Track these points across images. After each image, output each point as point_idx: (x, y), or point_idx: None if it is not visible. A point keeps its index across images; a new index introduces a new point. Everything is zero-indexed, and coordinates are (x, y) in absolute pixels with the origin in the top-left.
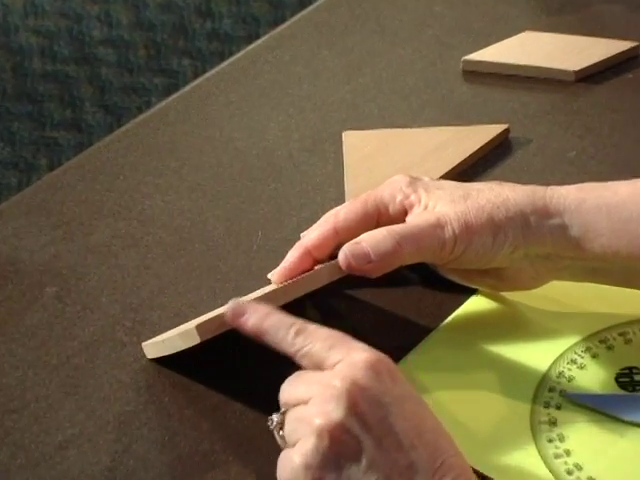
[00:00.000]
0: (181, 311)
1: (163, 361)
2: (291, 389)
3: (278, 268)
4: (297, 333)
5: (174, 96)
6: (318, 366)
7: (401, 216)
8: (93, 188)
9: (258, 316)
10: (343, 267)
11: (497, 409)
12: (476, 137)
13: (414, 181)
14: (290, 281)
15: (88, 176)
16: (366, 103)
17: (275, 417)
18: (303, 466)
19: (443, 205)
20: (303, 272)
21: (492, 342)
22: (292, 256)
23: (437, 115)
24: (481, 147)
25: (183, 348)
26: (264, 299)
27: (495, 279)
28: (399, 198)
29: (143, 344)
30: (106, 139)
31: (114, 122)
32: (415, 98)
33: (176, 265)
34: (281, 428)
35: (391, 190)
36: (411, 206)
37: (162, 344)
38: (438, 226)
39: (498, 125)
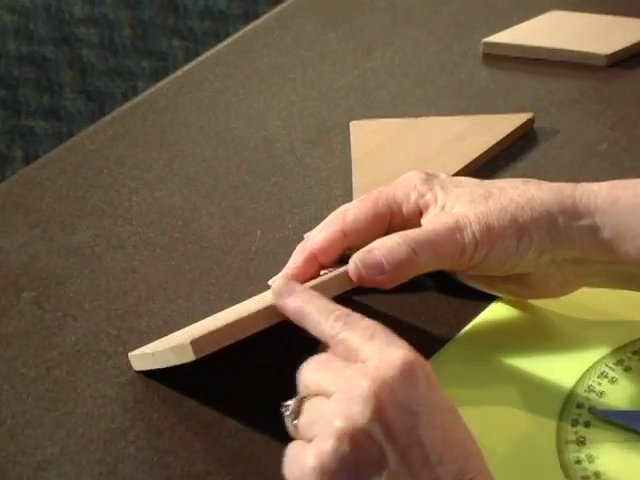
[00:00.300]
0: (171, 318)
1: (152, 374)
2: (315, 374)
3: (280, 275)
4: (338, 318)
5: (164, 81)
6: (352, 356)
7: (415, 217)
8: (75, 183)
9: (302, 298)
10: (354, 279)
11: (520, 427)
12: (497, 127)
13: (430, 178)
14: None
15: (69, 170)
16: (376, 90)
17: (292, 404)
18: (318, 469)
19: (462, 205)
20: (308, 279)
21: (514, 354)
22: (295, 261)
23: (454, 103)
24: (503, 138)
25: (175, 364)
26: (264, 313)
27: (519, 285)
28: (413, 197)
29: (130, 355)
30: (89, 129)
31: (96, 110)
32: (430, 84)
33: (166, 268)
34: (296, 417)
35: (405, 188)
36: (426, 206)
37: (151, 357)
38: (457, 229)
39: (522, 114)
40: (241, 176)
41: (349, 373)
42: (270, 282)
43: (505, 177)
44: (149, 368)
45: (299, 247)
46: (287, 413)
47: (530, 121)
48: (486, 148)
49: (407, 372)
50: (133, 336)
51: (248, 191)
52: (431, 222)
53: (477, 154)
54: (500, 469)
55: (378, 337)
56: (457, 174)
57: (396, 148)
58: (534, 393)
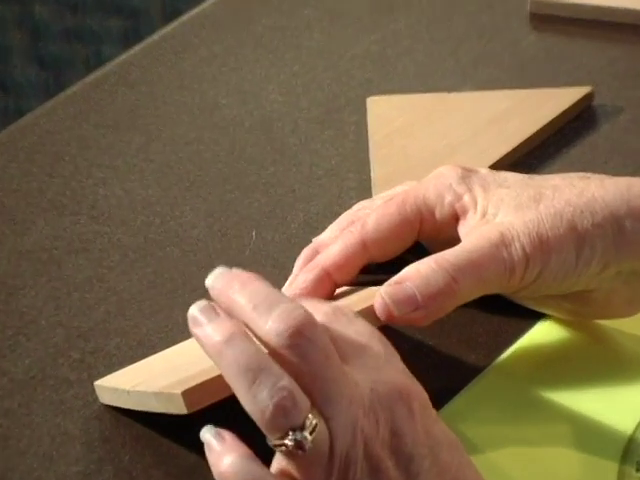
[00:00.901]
0: (147, 338)
1: (122, 407)
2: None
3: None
4: (325, 314)
5: (136, 47)
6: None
7: (450, 223)
8: (28, 172)
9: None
10: (382, 318)
11: (574, 472)
12: (548, 104)
13: (468, 175)
14: None
15: (20, 156)
16: (398, 57)
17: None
18: None
19: (507, 212)
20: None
21: (566, 384)
22: (305, 280)
23: (495, 74)
24: (554, 118)
25: (159, 411)
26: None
27: (577, 304)
28: (448, 199)
29: (96, 384)
30: (44, 105)
31: (51, 80)
32: (465, 51)
33: (140, 276)
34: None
35: (438, 188)
36: (464, 211)
37: (127, 395)
38: (503, 245)
39: (577, 88)
40: (232, 164)
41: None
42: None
43: (556, 166)
44: (121, 406)
45: (307, 259)
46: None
47: (588, 97)
48: (534, 130)
49: (401, 401)
50: (100, 360)
51: (241, 182)
52: (471, 237)
53: (523, 138)
54: None
55: (373, 350)
56: (498, 163)
57: (423, 130)
58: (591, 431)
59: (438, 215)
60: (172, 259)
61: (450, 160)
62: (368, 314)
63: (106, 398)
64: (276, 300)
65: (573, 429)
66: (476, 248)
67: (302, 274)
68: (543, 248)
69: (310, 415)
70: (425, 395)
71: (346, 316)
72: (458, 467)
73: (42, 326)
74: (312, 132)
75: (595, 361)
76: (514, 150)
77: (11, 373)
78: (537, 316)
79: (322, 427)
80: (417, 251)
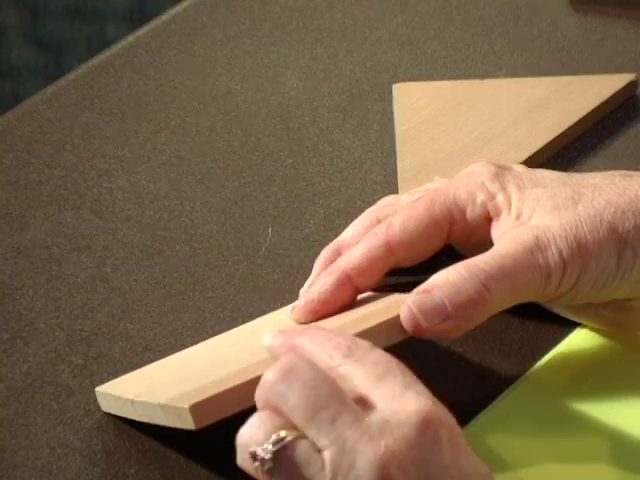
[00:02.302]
0: (153, 343)
1: (127, 417)
2: (300, 406)
3: (303, 299)
4: (338, 346)
5: (144, 28)
6: (355, 396)
7: (483, 224)
8: (26, 163)
9: (294, 334)
10: (408, 329)
11: None
12: (589, 93)
13: (502, 172)
14: None
15: (18, 145)
16: (427, 42)
17: (267, 450)
18: None
19: (543, 213)
20: (339, 308)
21: (603, 395)
22: (325, 284)
23: (532, 60)
24: (596, 107)
25: (164, 424)
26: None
27: (617, 313)
28: (480, 199)
29: (97, 390)
30: (45, 91)
31: (51, 63)
32: (500, 35)
33: (147, 276)
34: (273, 471)
35: (469, 186)
36: (497, 212)
37: (130, 405)
38: (538, 250)
39: (621, 75)
40: (247, 155)
41: (349, 426)
42: (289, 309)
43: (598, 159)
44: (124, 415)
45: (327, 261)
46: (258, 465)
47: (632, 84)
48: (573, 121)
49: (426, 430)
50: (103, 366)
51: (256, 175)
52: (504, 241)
53: (561, 129)
54: None
55: (392, 378)
56: (534, 156)
57: (453, 120)
58: (628, 447)
59: (469, 215)
60: (181, 258)
61: (482, 153)
62: (393, 326)
63: (108, 406)
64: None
65: (609, 444)
66: (509, 253)
67: (321, 277)
68: (581, 253)
69: (283, 432)
70: (453, 421)
71: (362, 348)
72: None
73: (41, 329)
74: (333, 121)
75: (634, 373)
76: (552, 142)
77: (8, 380)
78: (574, 323)
79: (306, 449)
80: (448, 254)
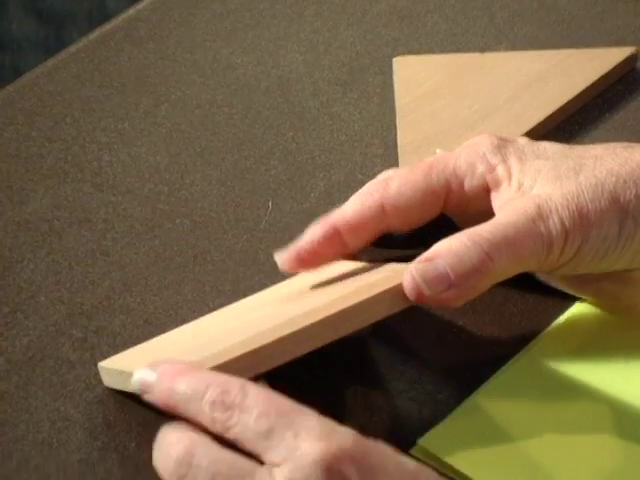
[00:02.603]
0: (154, 316)
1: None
2: (203, 467)
3: (289, 249)
4: (214, 404)
5: (145, 1)
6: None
7: (480, 195)
8: (26, 136)
9: (164, 385)
10: (411, 297)
11: (609, 457)
12: (589, 66)
13: (504, 145)
14: (319, 316)
15: (18, 118)
16: (427, 15)
17: None
18: None
19: (545, 184)
20: (324, 261)
21: (603, 368)
22: (314, 234)
23: (532, 33)
24: (596, 81)
25: None
26: (272, 347)
27: (618, 284)
28: (480, 170)
29: (100, 365)
30: (45, 64)
31: (52, 36)
32: (500, 8)
33: (147, 249)
34: None
35: (470, 156)
36: (497, 183)
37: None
38: (540, 219)
39: (622, 48)
40: (247, 128)
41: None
42: (276, 257)
43: (599, 132)
44: (126, 390)
45: (322, 220)
46: None
47: (632, 58)
48: (574, 94)
49: (330, 475)
50: (103, 339)
51: (257, 148)
52: (506, 210)
53: (562, 102)
54: None
55: (280, 427)
56: (535, 129)
57: (454, 93)
58: (632, 416)
59: (467, 186)
60: (182, 231)
61: (482, 126)
62: (396, 294)
63: (110, 381)
64: None
65: (610, 414)
66: (511, 222)
67: (311, 228)
68: (583, 222)
69: None
70: (358, 442)
71: (235, 396)
72: None
73: (41, 303)
74: (334, 94)
75: (633, 346)
76: (552, 115)
77: (8, 353)
78: (574, 297)
79: None
80: (448, 227)
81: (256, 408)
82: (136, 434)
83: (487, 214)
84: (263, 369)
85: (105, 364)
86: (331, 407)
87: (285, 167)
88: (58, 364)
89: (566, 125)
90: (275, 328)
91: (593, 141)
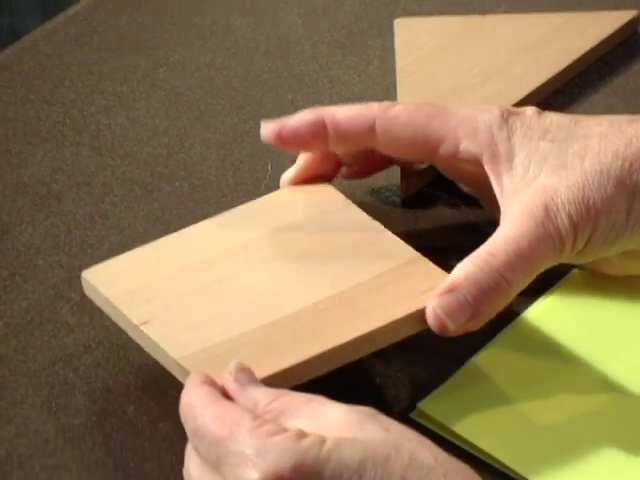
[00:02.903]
0: None
1: (127, 354)
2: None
3: (275, 121)
4: (190, 430)
5: None
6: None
7: (473, 162)
8: (25, 99)
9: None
10: (436, 330)
11: (619, 422)
12: (590, 29)
13: (511, 117)
14: (339, 341)
15: (17, 82)
16: None
17: None
18: None
19: (550, 174)
20: (304, 148)
21: (601, 333)
22: (301, 118)
23: None
24: (597, 44)
25: (158, 360)
26: (295, 369)
27: (623, 257)
28: (481, 139)
29: (84, 277)
30: (44, 27)
31: None
32: None
33: (146, 213)
34: None
35: (475, 122)
36: (496, 160)
37: (133, 329)
38: (549, 220)
39: (623, 12)
40: (247, 91)
41: None
42: (261, 125)
43: (599, 95)
44: (107, 313)
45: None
46: None
47: (633, 21)
48: (574, 57)
49: None
50: None
51: (256, 111)
52: (514, 215)
53: (562, 66)
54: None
55: (225, 463)
56: (535, 92)
57: (454, 56)
58: (628, 382)
59: (462, 149)
60: (181, 194)
61: (483, 89)
62: (417, 318)
63: (91, 294)
64: None
65: (608, 377)
66: (523, 233)
67: (301, 112)
68: (590, 213)
69: None
70: (294, 457)
71: (196, 428)
72: None
73: (40, 266)
74: (333, 57)
75: (634, 310)
76: (553, 79)
77: (7, 317)
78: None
79: None
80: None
81: (207, 437)
82: (135, 398)
83: (476, 177)
84: (291, 384)
85: (94, 282)
86: (331, 373)
87: None
88: (57, 328)
89: (566, 89)
90: (300, 340)
91: (593, 105)
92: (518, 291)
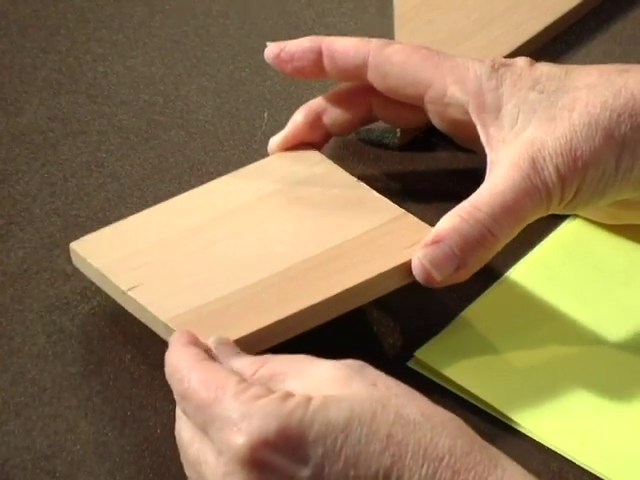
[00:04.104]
0: None
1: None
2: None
3: (277, 43)
4: (177, 393)
5: None
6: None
7: (459, 110)
8: (21, 47)
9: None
10: (422, 282)
11: (599, 367)
12: None
13: (501, 68)
14: (326, 294)
15: (13, 30)
16: None
17: None
18: None
19: (538, 125)
20: (299, 73)
21: (596, 282)
22: (299, 43)
23: None
24: None
25: (147, 324)
26: (279, 325)
27: (615, 206)
28: (469, 87)
29: (72, 248)
30: None
31: None
32: None
33: (142, 161)
34: None
35: (465, 70)
36: (482, 109)
37: (121, 295)
38: (535, 173)
39: None
40: (243, 39)
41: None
42: (270, 142)
43: (596, 42)
44: (95, 282)
45: (305, 119)
46: None
47: None
48: (573, 4)
49: (253, 467)
50: None
51: (252, 59)
52: (500, 169)
53: (561, 12)
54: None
55: (210, 426)
56: (533, 39)
57: (453, 2)
58: (620, 327)
59: (449, 94)
60: (177, 142)
61: (481, 35)
62: (403, 271)
63: (80, 265)
64: None
65: (598, 326)
66: (509, 187)
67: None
68: (577, 164)
69: None
70: (278, 421)
71: (185, 389)
72: (353, 459)
73: (36, 214)
74: (329, 4)
75: (627, 261)
76: (551, 26)
77: (3, 265)
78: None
79: None
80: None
81: (197, 399)
82: (131, 347)
83: (464, 127)
84: (268, 345)
85: (82, 252)
86: (329, 324)
87: (281, 78)
88: (53, 276)
89: (563, 36)
90: (286, 297)
91: (589, 52)
92: (505, 242)
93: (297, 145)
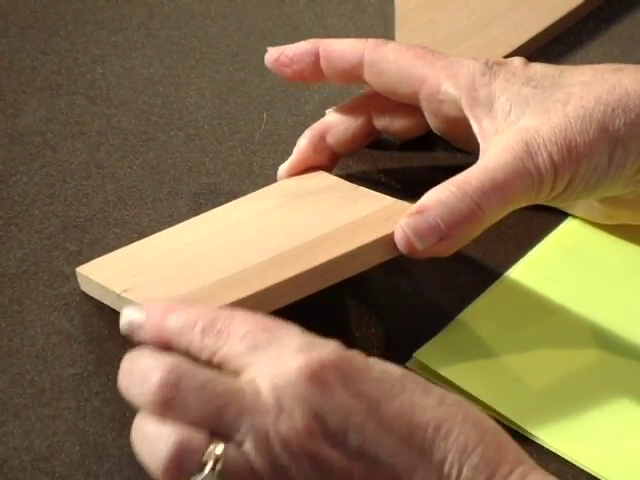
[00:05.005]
0: (148, 229)
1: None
2: (217, 412)
3: (278, 48)
4: (204, 332)
5: None
6: (237, 371)
7: (452, 106)
8: (20, 49)
9: (154, 321)
10: (404, 251)
11: (612, 373)
12: None
13: (495, 66)
14: (309, 263)
15: (12, 30)
16: None
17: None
18: None
19: (533, 116)
20: (299, 75)
21: (593, 284)
22: (298, 46)
23: None
24: None
25: None
26: (264, 294)
27: (608, 205)
28: (462, 82)
29: (78, 271)
30: None
31: None
32: None
33: (141, 162)
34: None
35: (458, 67)
36: (475, 103)
37: (116, 298)
38: (529, 156)
39: None
40: (241, 40)
41: (252, 413)
42: (279, 170)
43: (595, 43)
44: (105, 302)
45: (313, 139)
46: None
47: None
48: (573, 5)
49: (313, 382)
50: (97, 252)
51: (251, 60)
52: (494, 149)
53: (561, 13)
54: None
55: (264, 343)
56: (533, 40)
57: (454, 2)
58: (620, 330)
59: (442, 90)
60: (176, 143)
61: (481, 35)
62: (386, 244)
63: (88, 289)
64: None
65: (591, 330)
66: (500, 165)
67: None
68: (571, 155)
69: (210, 449)
70: (339, 352)
71: (223, 320)
72: (408, 406)
73: (35, 216)
74: (328, 5)
75: (624, 262)
76: (551, 26)
77: (2, 266)
78: (563, 213)
79: (235, 453)
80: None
81: (242, 329)
82: (131, 348)
83: (459, 124)
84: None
85: (85, 272)
86: (327, 322)
87: (279, 79)
88: (52, 277)
89: (563, 37)
90: (269, 271)
91: (588, 53)
92: (491, 222)
93: (305, 170)
